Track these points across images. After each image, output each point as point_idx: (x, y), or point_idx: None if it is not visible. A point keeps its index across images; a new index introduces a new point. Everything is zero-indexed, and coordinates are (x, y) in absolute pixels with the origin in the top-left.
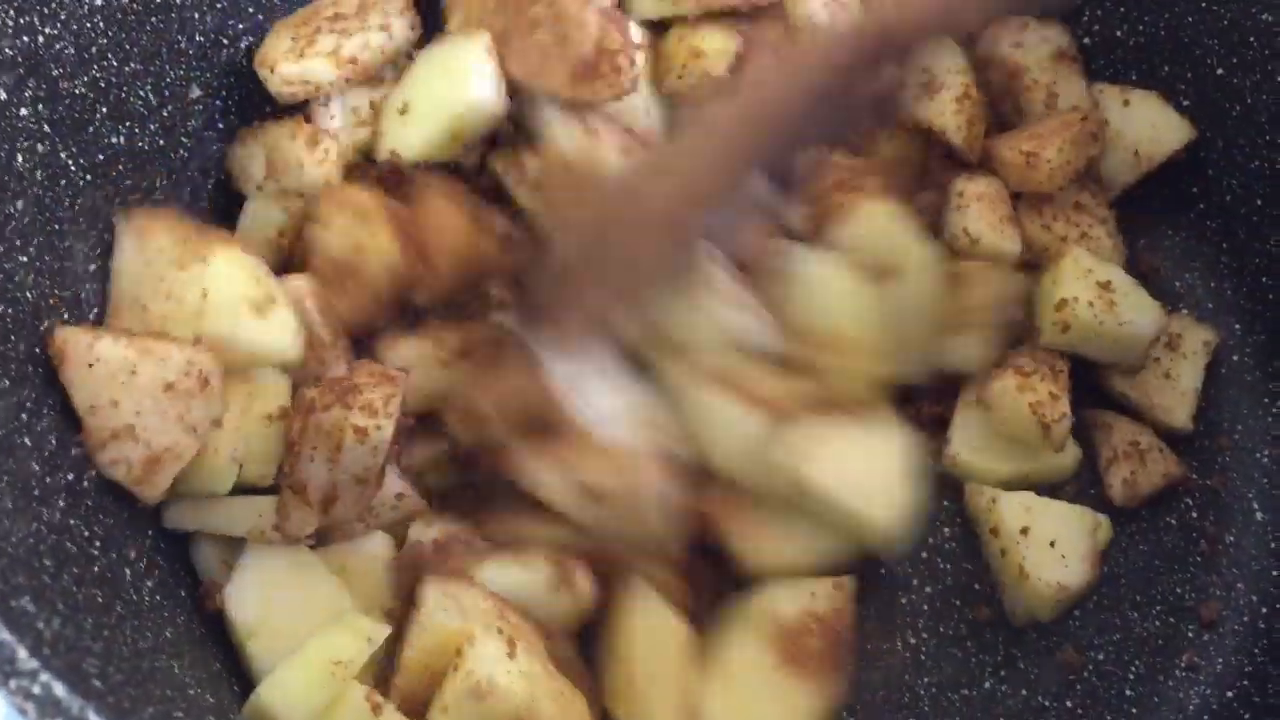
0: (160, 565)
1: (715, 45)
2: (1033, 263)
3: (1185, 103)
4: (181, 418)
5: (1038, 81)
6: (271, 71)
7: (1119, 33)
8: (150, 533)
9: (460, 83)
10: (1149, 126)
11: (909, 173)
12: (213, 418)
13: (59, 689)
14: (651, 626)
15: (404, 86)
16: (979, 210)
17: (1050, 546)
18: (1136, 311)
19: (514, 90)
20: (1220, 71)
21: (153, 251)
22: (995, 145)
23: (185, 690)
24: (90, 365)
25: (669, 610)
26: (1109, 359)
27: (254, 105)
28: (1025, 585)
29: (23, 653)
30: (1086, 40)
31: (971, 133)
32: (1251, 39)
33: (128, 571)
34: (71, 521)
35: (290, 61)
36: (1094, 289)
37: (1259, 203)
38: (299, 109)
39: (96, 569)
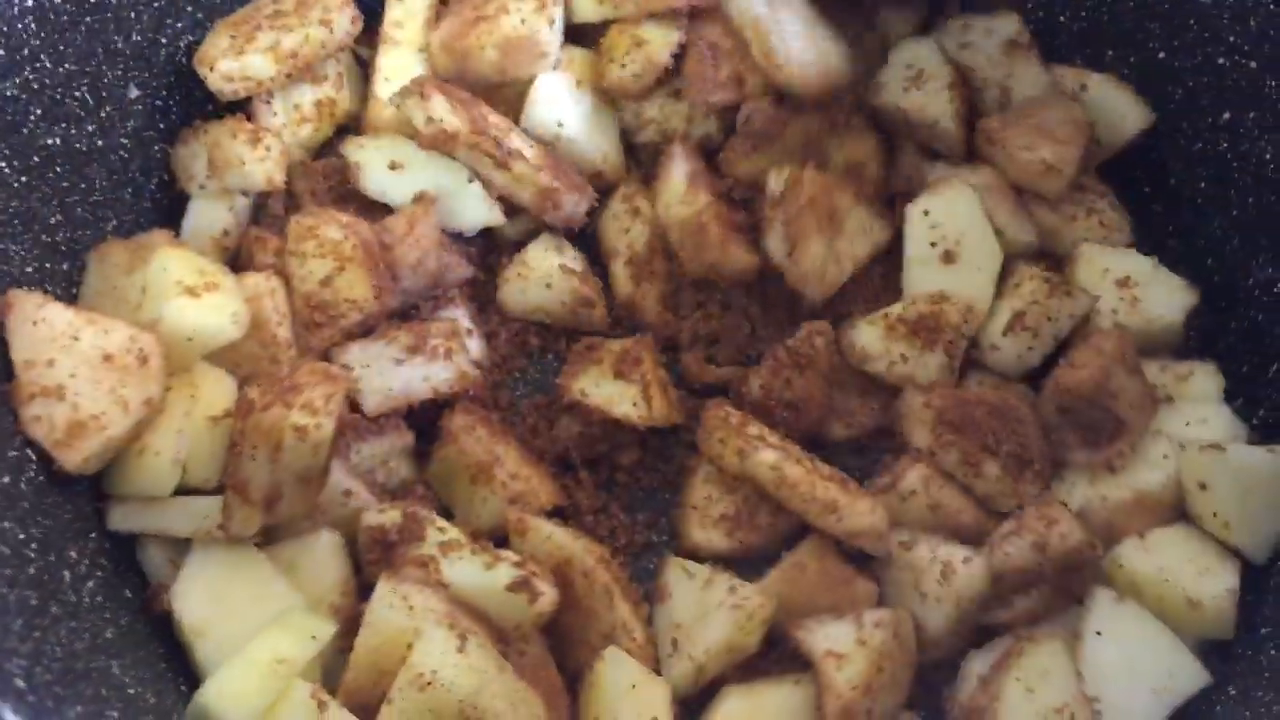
0: (104, 567)
1: (658, 35)
2: (1047, 249)
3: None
4: (114, 390)
5: (988, 79)
6: (211, 69)
7: (1062, 18)
8: (93, 535)
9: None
10: (1108, 111)
11: (874, 174)
12: (146, 397)
13: None
14: (632, 688)
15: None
16: (991, 203)
17: None
18: (1165, 301)
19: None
20: (1162, 55)
21: (109, 267)
22: (998, 141)
23: (124, 690)
24: (35, 324)
25: (646, 671)
26: (1148, 352)
27: (196, 104)
28: None
29: None
30: (1031, 26)
31: (961, 122)
32: (1192, 22)
33: (67, 574)
34: (6, 524)
35: (229, 58)
36: (1114, 291)
37: (1203, 185)
38: (242, 107)
39: (32, 571)
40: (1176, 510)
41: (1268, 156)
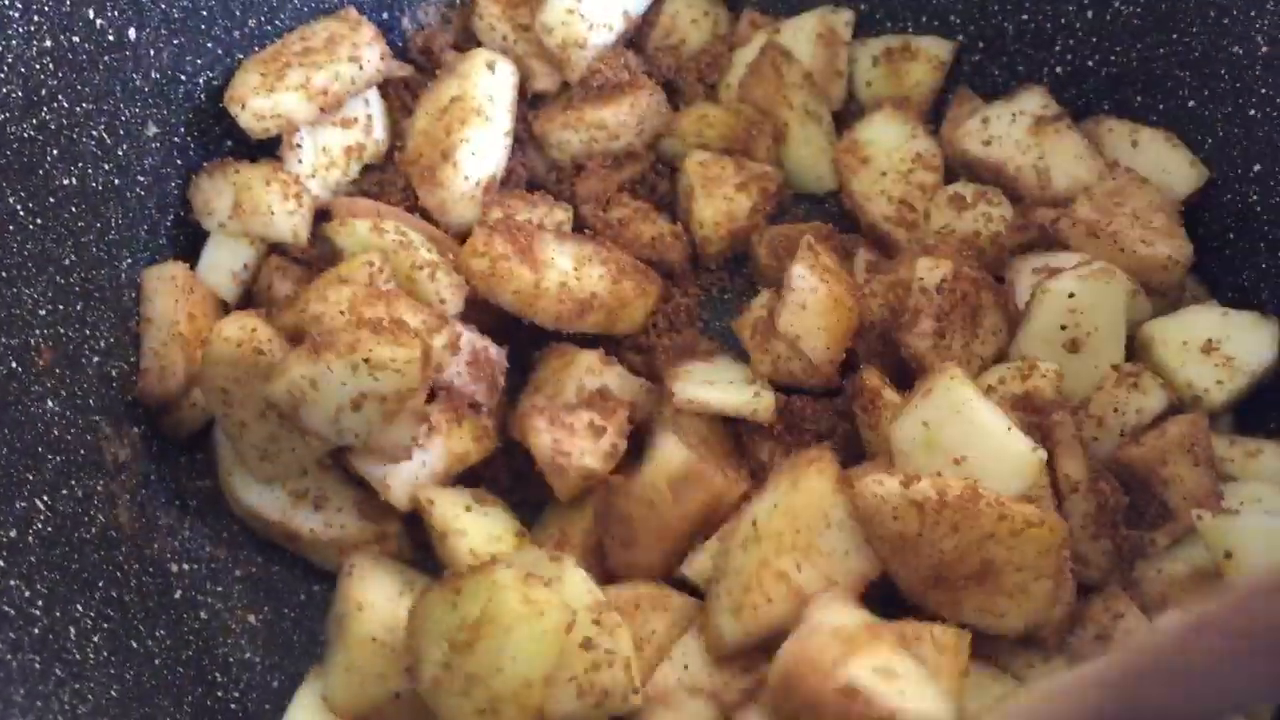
0: (111, 619)
1: None
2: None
3: None
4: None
5: (1021, 168)
6: (243, 108)
7: (1090, 63)
8: (100, 584)
9: None
10: (1160, 170)
11: None
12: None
13: None
14: None
15: None
16: None
17: None
18: (1255, 347)
19: None
20: (1192, 104)
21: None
22: (1104, 234)
23: None
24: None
25: None
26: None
27: (214, 141)
28: None
29: None
30: (1059, 70)
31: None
32: (1224, 72)
33: (72, 630)
34: (12, 583)
35: (261, 96)
36: (1203, 361)
37: (1231, 237)
38: (266, 148)
39: (36, 631)
40: None
41: None
